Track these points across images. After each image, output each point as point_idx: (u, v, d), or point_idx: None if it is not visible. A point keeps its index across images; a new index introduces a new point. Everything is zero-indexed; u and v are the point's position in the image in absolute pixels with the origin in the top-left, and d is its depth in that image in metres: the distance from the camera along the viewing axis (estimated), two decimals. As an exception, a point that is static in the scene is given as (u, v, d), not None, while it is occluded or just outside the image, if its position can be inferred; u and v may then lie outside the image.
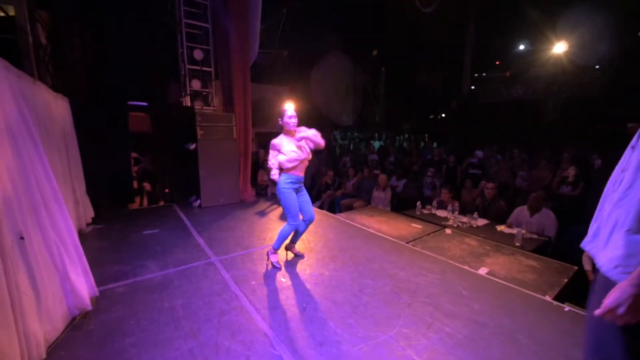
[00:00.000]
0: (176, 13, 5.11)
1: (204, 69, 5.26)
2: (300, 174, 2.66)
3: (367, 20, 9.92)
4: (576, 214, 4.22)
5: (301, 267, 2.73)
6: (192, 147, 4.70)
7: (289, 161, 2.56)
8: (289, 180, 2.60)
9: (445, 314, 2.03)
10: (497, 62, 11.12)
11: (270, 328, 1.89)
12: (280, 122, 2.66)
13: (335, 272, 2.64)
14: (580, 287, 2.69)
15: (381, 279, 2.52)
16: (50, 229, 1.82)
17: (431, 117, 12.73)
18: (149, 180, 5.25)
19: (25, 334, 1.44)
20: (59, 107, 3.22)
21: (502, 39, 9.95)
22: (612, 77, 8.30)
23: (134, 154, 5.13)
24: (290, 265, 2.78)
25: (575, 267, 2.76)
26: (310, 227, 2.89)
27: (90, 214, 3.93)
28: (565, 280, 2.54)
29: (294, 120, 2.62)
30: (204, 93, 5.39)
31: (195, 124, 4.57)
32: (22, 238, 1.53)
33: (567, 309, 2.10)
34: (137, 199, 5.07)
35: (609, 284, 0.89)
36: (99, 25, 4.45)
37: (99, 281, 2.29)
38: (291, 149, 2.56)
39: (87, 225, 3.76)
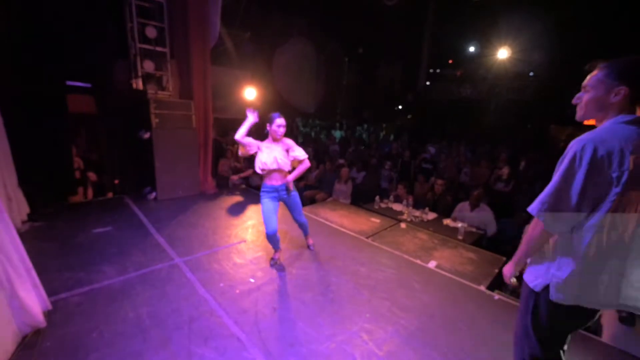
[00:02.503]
0: (123, -19, 4.53)
1: (157, 48, 4.80)
2: (276, 182, 2.65)
3: (332, 8, 9.78)
4: (507, 207, 4.92)
5: (268, 266, 2.81)
6: (146, 135, 4.36)
7: (258, 166, 2.60)
8: (264, 189, 2.66)
9: (400, 308, 2.30)
10: (450, 61, 11.89)
11: (242, 332, 1.97)
12: (267, 128, 2.62)
13: (302, 270, 2.78)
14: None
15: (344, 276, 2.72)
16: (-9, 243, 1.64)
17: (389, 108, 13.28)
18: (94, 169, 4.76)
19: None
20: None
21: (456, 39, 10.62)
22: (543, 83, 9.45)
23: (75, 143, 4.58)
24: (259, 263, 2.85)
25: (504, 258, 3.27)
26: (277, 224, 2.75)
27: (25, 209, 3.50)
28: (496, 270, 3.00)
29: (282, 130, 2.59)
30: (157, 75, 4.95)
31: (150, 112, 4.23)
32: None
33: (496, 297, 2.51)
34: (80, 190, 4.59)
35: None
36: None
37: (49, 291, 2.12)
38: (264, 156, 2.56)
39: (23, 222, 3.36)
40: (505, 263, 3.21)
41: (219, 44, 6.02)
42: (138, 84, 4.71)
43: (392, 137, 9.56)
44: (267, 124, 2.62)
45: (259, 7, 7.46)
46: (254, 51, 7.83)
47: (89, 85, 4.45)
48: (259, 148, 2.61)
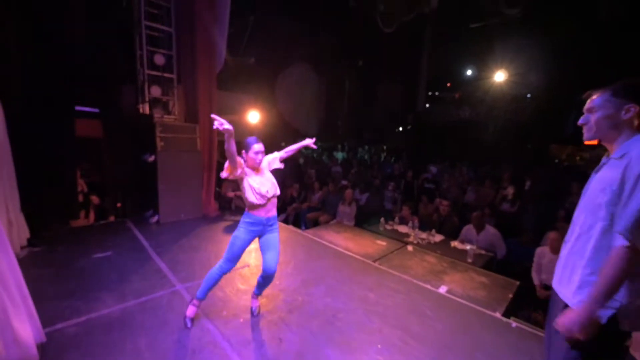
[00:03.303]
0: (134, 13, 4.74)
1: (165, 74, 4.94)
2: (265, 214, 2.12)
3: (333, 34, 10.20)
4: (513, 227, 4.83)
5: (274, 292, 2.71)
6: (151, 159, 4.38)
7: (253, 195, 2.06)
8: (248, 220, 2.11)
9: (413, 337, 2.18)
10: (449, 84, 12.21)
11: (247, 365, 1.85)
12: (243, 156, 2.11)
13: (308, 297, 2.67)
14: (523, 299, 3.11)
15: (352, 302, 2.61)
16: (-11, 271, 1.58)
17: (389, 130, 13.49)
18: (97, 192, 4.74)
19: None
20: (-9, 115, 2.79)
21: (453, 64, 10.97)
22: (539, 105, 9.64)
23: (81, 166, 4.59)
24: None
25: (517, 282, 3.15)
26: (280, 245, 2.31)
27: (26, 234, 3.44)
28: (510, 295, 2.88)
29: (260, 157, 2.10)
30: (164, 100, 5.06)
31: (155, 135, 4.27)
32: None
33: (514, 324, 2.39)
34: (82, 214, 4.54)
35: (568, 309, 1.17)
36: (41, 17, 3.91)
37: (45, 321, 2.02)
38: (258, 181, 2.09)
39: (22, 248, 3.29)
40: (519, 288, 3.10)
41: (224, 69, 6.22)
42: (145, 108, 4.80)
43: (393, 159, 9.61)
44: (242, 151, 2.11)
45: (262, 34, 7.77)
46: (257, 76, 8.07)
47: (96, 110, 4.52)
48: (243, 171, 2.04)
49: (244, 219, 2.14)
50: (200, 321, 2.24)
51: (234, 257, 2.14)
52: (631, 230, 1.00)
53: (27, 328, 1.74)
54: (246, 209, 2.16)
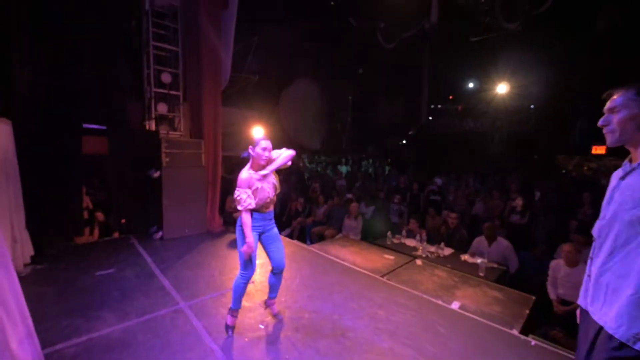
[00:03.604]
0: (143, 34, 4.90)
1: (171, 92, 5.04)
2: (266, 209, 2.22)
3: (335, 51, 10.43)
4: (523, 239, 4.69)
5: (279, 309, 2.61)
6: (156, 174, 4.39)
7: (260, 200, 2.14)
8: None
9: (427, 357, 2.06)
10: (451, 97, 12.31)
11: (252, 388, 1.76)
12: (250, 152, 2.19)
13: (315, 314, 2.57)
14: (539, 315, 2.97)
15: (361, 320, 2.50)
16: (-11, 289, 1.54)
17: (393, 143, 13.53)
18: (102, 209, 4.74)
19: None
20: (0, 134, 2.83)
21: (454, 76, 11.09)
22: (543, 115, 9.63)
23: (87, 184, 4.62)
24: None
25: (533, 297, 3.01)
26: (285, 260, 2.39)
27: (30, 251, 3.42)
28: (527, 311, 2.75)
29: (267, 155, 2.16)
30: (170, 117, 5.14)
31: (161, 151, 4.30)
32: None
33: (533, 343, 2.26)
34: (87, 231, 4.52)
35: (605, 333, 1.05)
36: (52, 40, 4.05)
37: (44, 341, 1.96)
38: (261, 188, 2.13)
39: (25, 266, 3.26)
40: (534, 303, 2.96)
41: (229, 86, 6.34)
42: (151, 125, 4.87)
43: (397, 172, 9.57)
44: (249, 148, 2.19)
45: (265, 51, 7.97)
46: (261, 92, 8.22)
47: (103, 127, 4.59)
48: (250, 187, 2.10)
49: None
50: (203, 341, 2.15)
51: (250, 264, 2.20)
52: None
53: (25, 348, 1.68)
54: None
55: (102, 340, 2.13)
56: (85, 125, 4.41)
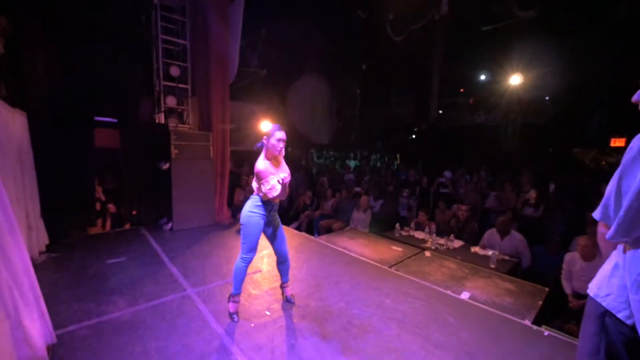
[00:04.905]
0: (152, 28, 4.95)
1: (180, 85, 5.08)
2: (276, 200, 2.28)
3: (344, 43, 10.32)
4: (537, 233, 4.55)
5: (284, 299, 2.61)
6: (165, 166, 4.45)
7: (273, 190, 2.12)
8: (259, 204, 2.21)
9: (435, 345, 2.02)
10: (462, 90, 12.02)
11: (257, 371, 1.76)
12: (264, 142, 2.21)
13: (321, 302, 2.56)
14: (553, 307, 2.87)
15: (368, 308, 2.47)
16: (3, 268, 1.58)
17: (402, 138, 13.34)
18: (113, 200, 4.84)
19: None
20: (16, 124, 2.91)
21: (465, 68, 10.82)
22: (559, 108, 9.31)
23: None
24: (275, 294, 2.65)
25: (547, 289, 2.92)
26: (292, 252, 2.60)
27: (45, 240, 3.52)
28: (540, 302, 2.66)
29: (282, 146, 2.22)
30: (179, 110, 5.19)
31: (170, 143, 4.35)
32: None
33: (546, 333, 2.18)
34: (99, 222, 4.63)
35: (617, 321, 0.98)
36: (63, 34, 4.14)
37: (56, 323, 2.01)
38: (275, 180, 2.13)
39: (40, 253, 3.35)
40: (548, 296, 2.86)
41: (237, 80, 6.36)
42: (160, 118, 4.93)
43: (397, 164, 9.41)
44: (264, 138, 2.21)
45: (273, 45, 7.95)
46: (269, 86, 8.22)
47: (115, 120, 4.68)
48: (268, 176, 2.14)
49: (254, 204, 2.22)
50: (209, 325, 2.17)
51: (254, 246, 2.25)
52: None
53: (37, 327, 1.73)
54: (257, 194, 2.24)
55: (111, 323, 2.17)
56: (97, 119, 4.50)
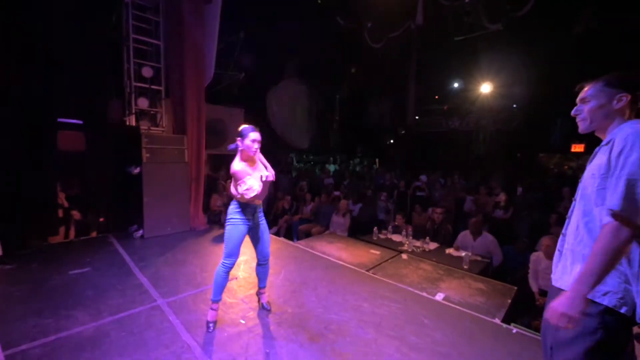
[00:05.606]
0: (123, 27, 4.75)
1: (152, 87, 4.90)
2: (257, 202, 2.24)
3: (323, 50, 10.42)
4: (506, 234, 4.78)
5: (260, 306, 2.55)
6: (136, 171, 4.25)
7: (250, 191, 2.06)
8: (238, 210, 2.17)
9: (410, 347, 2.04)
10: (437, 97, 12.49)
11: (230, 384, 1.69)
12: (238, 143, 2.14)
13: (299, 308, 2.52)
14: (521, 305, 3.01)
15: (345, 312, 2.47)
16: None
17: (381, 142, 13.63)
18: (78, 207, 4.55)
19: None
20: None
21: (440, 76, 11.27)
22: (525, 115, 9.90)
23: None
24: (251, 302, 2.58)
25: (515, 287, 3.05)
26: (270, 257, 2.44)
27: (-2, 252, 3.23)
28: (509, 301, 2.78)
29: (257, 146, 2.15)
30: (151, 112, 4.99)
31: (141, 146, 4.16)
32: None
33: (514, 330, 2.27)
34: (62, 230, 4.32)
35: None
36: (26, 33, 3.86)
37: (7, 343, 1.85)
38: (254, 180, 2.09)
39: (-8, 266, 3.07)
40: (517, 293, 2.99)
41: (214, 83, 6.23)
42: (131, 120, 4.71)
43: (376, 169, 9.61)
44: (238, 139, 2.14)
45: (252, 49, 7.88)
46: (248, 90, 8.11)
47: (80, 122, 4.41)
48: (244, 177, 2.09)
49: (234, 210, 2.18)
50: (180, 337, 2.07)
51: (235, 252, 2.18)
52: (619, 206, 0.98)
53: (-18, 349, 1.57)
54: (236, 199, 2.20)
55: (72, 340, 2.01)
56: (60, 120, 4.23)
